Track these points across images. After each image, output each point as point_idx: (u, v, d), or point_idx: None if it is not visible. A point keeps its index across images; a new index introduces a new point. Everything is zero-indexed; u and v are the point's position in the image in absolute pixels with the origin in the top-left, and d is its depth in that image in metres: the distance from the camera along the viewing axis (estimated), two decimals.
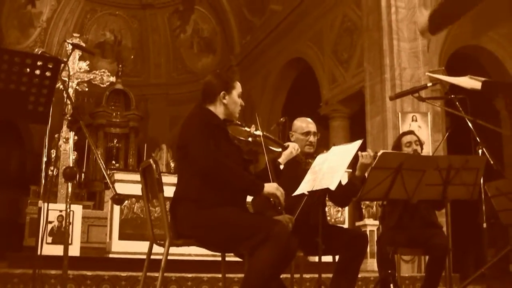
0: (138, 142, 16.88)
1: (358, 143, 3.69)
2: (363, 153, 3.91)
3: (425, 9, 9.72)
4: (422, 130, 8.97)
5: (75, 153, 10.01)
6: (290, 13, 13.74)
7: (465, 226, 8.39)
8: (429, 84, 4.50)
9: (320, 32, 12.73)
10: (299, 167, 4.00)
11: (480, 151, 4.11)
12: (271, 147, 3.58)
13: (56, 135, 10.13)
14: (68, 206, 3.75)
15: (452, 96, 4.17)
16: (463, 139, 4.46)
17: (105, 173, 3.11)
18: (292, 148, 3.73)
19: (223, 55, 18.40)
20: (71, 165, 7.05)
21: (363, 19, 10.64)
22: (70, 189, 3.99)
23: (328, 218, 7.90)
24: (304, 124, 4.27)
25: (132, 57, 19.25)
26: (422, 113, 9.18)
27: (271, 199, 3.26)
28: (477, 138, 4.05)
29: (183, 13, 18.72)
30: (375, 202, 8.37)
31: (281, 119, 4.54)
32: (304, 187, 3.71)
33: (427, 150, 8.49)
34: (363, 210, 8.93)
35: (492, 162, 3.97)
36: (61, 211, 7.57)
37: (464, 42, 10.94)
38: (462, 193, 3.98)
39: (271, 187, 3.22)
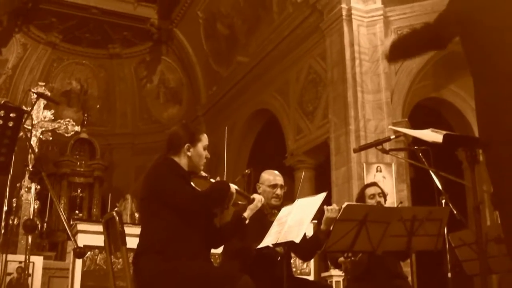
0: (102, 192, 16.63)
1: (323, 195, 3.70)
2: (329, 207, 3.92)
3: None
4: (386, 180, 9.04)
5: (37, 202, 9.83)
6: (256, 65, 13.85)
7: (430, 276, 8.39)
8: (392, 137, 4.56)
9: (286, 84, 12.85)
10: (264, 218, 3.98)
11: (443, 201, 4.16)
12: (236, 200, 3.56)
13: (18, 184, 9.94)
14: (27, 258, 3.66)
15: (415, 147, 4.22)
16: (427, 190, 4.50)
17: (66, 226, 3.05)
18: (258, 201, 3.65)
19: (189, 105, 18.42)
20: (32, 215, 6.92)
21: (328, 72, 10.80)
22: (30, 240, 3.91)
23: (294, 269, 7.83)
24: (272, 176, 4.27)
25: (98, 106, 19.14)
26: (387, 164, 9.27)
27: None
28: (441, 189, 4.09)
29: (149, 63, 18.78)
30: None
31: (246, 170, 4.53)
32: (269, 240, 3.68)
33: (392, 200, 8.54)
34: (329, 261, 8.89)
35: (455, 213, 4.01)
36: (20, 262, 7.38)
37: (426, 94, 11.17)
38: (427, 244, 4.00)
39: (233, 187, 3.38)
